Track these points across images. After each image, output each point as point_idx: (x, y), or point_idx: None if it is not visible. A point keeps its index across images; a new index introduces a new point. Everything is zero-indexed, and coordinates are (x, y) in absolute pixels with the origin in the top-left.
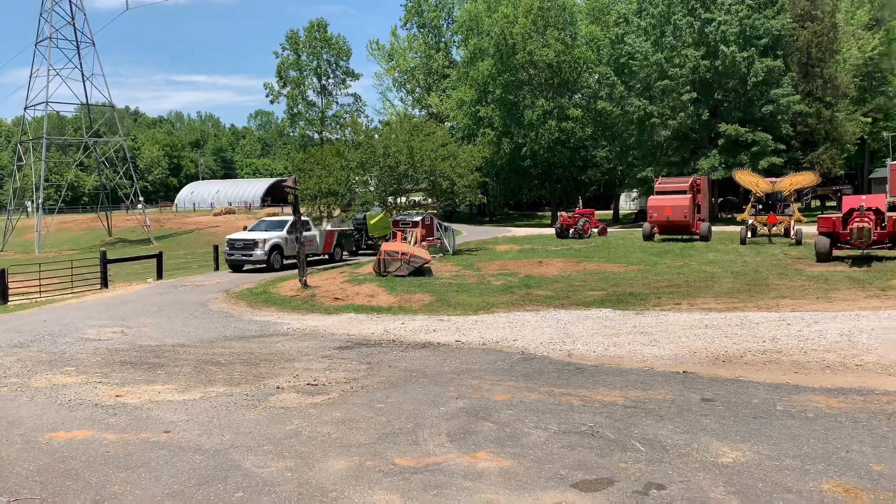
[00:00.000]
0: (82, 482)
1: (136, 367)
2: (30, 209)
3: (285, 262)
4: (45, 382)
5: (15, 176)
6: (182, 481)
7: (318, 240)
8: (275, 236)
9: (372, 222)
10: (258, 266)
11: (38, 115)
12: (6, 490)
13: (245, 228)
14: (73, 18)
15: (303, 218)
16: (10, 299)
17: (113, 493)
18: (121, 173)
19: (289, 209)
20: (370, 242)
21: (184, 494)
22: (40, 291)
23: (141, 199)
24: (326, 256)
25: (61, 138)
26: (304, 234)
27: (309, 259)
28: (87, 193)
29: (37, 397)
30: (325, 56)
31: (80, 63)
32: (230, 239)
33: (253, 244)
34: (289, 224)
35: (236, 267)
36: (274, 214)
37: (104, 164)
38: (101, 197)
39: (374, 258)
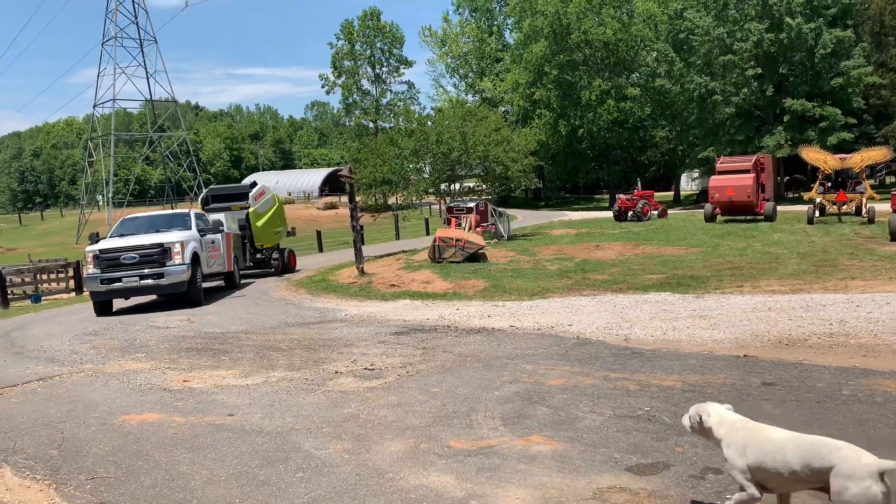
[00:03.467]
0: (153, 462)
1: (201, 354)
2: (101, 203)
3: (206, 283)
4: (117, 368)
5: (87, 171)
6: (245, 462)
7: (222, 249)
8: (188, 239)
9: (259, 224)
10: (166, 294)
11: (106, 113)
12: (84, 469)
13: (93, 236)
14: (136, 17)
15: (199, 211)
16: (84, 290)
17: (181, 473)
18: (184, 166)
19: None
20: (259, 257)
21: (247, 474)
22: None
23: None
24: (224, 282)
25: (128, 134)
26: (210, 237)
27: (206, 286)
28: (153, 187)
29: (110, 382)
30: (378, 45)
31: (144, 60)
32: (105, 251)
33: (160, 254)
34: (194, 218)
35: (105, 305)
36: (331, 205)
37: (168, 157)
38: (166, 190)
39: (275, 277)
